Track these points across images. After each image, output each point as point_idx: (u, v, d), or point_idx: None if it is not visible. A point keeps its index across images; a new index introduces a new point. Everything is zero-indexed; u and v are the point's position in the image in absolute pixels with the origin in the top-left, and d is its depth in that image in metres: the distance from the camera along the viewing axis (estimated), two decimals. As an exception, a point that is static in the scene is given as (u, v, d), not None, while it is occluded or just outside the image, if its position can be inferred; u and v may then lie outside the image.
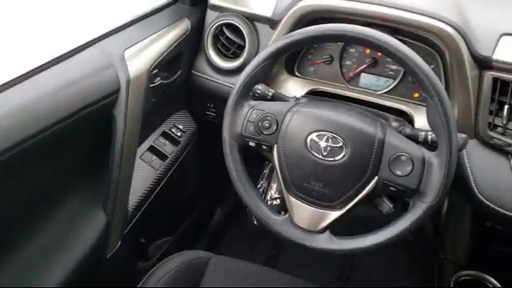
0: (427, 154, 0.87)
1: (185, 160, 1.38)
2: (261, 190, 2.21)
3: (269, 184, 2.20)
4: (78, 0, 1.25)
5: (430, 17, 0.99)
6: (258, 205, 1.00)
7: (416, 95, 1.15)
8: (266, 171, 1.66)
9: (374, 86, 1.20)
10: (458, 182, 1.03)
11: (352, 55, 1.21)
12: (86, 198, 1.10)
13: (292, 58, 1.24)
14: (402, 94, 1.16)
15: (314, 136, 0.92)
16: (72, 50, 0.99)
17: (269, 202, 2.15)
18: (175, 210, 1.55)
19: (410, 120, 1.10)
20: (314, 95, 1.20)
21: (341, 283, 1.80)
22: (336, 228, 0.96)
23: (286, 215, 0.99)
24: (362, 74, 1.21)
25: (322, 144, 0.91)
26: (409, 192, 0.88)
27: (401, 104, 1.14)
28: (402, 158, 0.88)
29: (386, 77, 1.18)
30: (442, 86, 0.83)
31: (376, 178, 0.91)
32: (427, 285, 1.42)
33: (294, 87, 1.22)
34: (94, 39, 1.05)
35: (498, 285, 1.21)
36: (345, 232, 0.95)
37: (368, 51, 1.19)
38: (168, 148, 1.30)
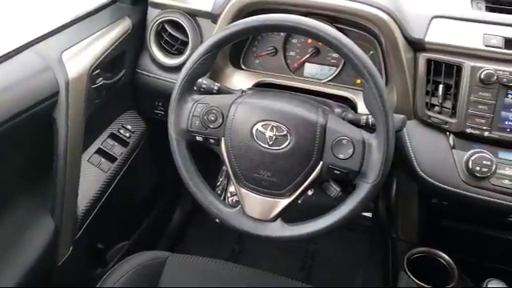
0: (366, 136, 0.90)
1: (136, 161, 1.36)
2: (220, 186, 2.21)
3: (228, 180, 2.21)
4: (14, 2, 1.21)
5: (365, 3, 1.02)
6: (209, 200, 1.00)
7: (358, 81, 1.18)
8: (225, 168, 1.66)
9: (318, 74, 1.22)
10: (402, 162, 1.07)
11: (295, 46, 1.23)
12: (33, 204, 1.07)
13: (237, 52, 1.24)
14: (344, 81, 1.19)
15: (259, 126, 0.93)
16: (7, 54, 0.96)
17: (229, 199, 2.17)
18: (131, 212, 1.53)
19: (353, 106, 1.13)
20: (260, 87, 1.22)
21: (304, 272, 1.83)
22: (287, 215, 0.97)
23: (239, 207, 1.00)
24: (306, 64, 1.23)
25: (268, 133, 0.92)
26: (352, 174, 0.91)
27: (344, 91, 1.16)
28: (344, 141, 0.90)
29: (329, 65, 1.21)
30: (375, 70, 0.85)
31: (321, 163, 0.93)
32: (385, 266, 1.45)
33: (240, 80, 1.23)
34: (30, 42, 1.02)
35: (449, 259, 1.26)
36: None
37: (310, 41, 1.21)
38: (117, 149, 1.28)
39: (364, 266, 1.73)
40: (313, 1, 1.06)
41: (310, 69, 1.23)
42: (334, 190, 0.98)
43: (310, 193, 1.90)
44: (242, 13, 1.11)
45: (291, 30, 0.95)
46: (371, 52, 1.16)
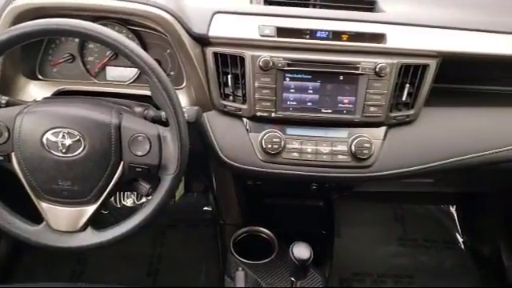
0: (161, 130, 0.93)
1: None
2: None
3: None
4: None
5: (145, 4, 1.04)
6: (9, 221, 0.94)
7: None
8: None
9: (120, 77, 1.22)
10: (209, 150, 1.13)
11: (93, 51, 1.21)
12: None
13: (30, 61, 1.18)
14: (146, 80, 1.21)
15: (49, 135, 0.90)
16: None
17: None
18: None
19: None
20: (61, 96, 1.17)
21: (151, 278, 1.82)
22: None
23: (44, 223, 0.96)
24: (108, 68, 1.22)
25: (60, 141, 0.90)
26: (153, 168, 0.93)
27: (147, 90, 1.18)
28: (139, 138, 0.92)
29: (130, 67, 1.21)
30: (156, 65, 0.88)
31: (122, 163, 0.93)
32: (223, 256, 1.51)
33: (37, 91, 1.17)
34: None
35: (270, 233, 1.37)
36: None
37: (108, 44, 1.20)
38: None
39: (208, 259, 1.79)
40: (89, 3, 1.04)
41: (112, 72, 1.22)
42: (144, 187, 1.00)
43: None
44: (20, 21, 1.05)
45: (59, 34, 0.93)
46: (168, 50, 1.19)
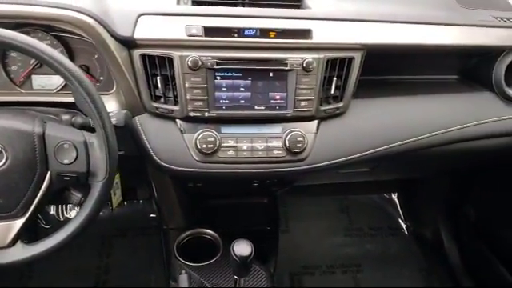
0: (87, 136, 0.91)
1: None
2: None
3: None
4: None
5: (64, 8, 1.01)
6: None
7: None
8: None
9: (48, 85, 1.18)
10: (143, 154, 1.11)
11: (16, 60, 1.16)
12: None
13: None
14: (73, 87, 1.18)
15: None
16: None
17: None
18: None
19: None
20: None
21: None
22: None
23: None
24: (33, 76, 1.17)
25: None
26: (82, 176, 0.91)
27: (75, 96, 1.15)
28: (65, 146, 0.89)
29: (56, 74, 1.17)
30: (77, 70, 0.86)
31: (48, 172, 0.90)
32: (167, 261, 1.49)
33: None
34: None
35: (215, 234, 1.37)
36: None
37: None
38: None
39: (156, 266, 1.77)
40: (4, 10, 1.00)
41: (38, 80, 1.18)
42: (76, 196, 0.97)
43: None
44: None
45: None
46: (96, 55, 1.17)
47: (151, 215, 1.99)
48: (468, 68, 1.37)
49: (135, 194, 1.97)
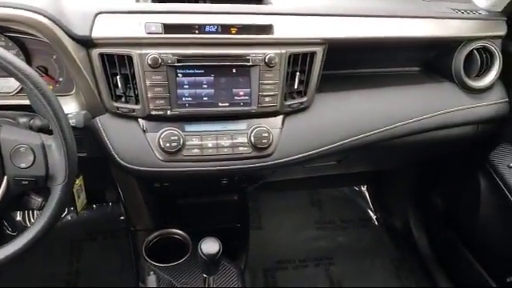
0: (45, 139, 0.88)
1: None
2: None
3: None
4: None
5: (18, 8, 0.98)
6: None
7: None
8: None
9: (4, 88, 1.15)
10: (106, 155, 1.09)
11: (-32, 62, 1.11)
12: None
13: None
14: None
15: None
16: None
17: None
18: None
19: None
20: None
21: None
22: None
23: None
24: (-12, 79, 1.14)
25: None
26: (41, 180, 0.89)
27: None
28: (21, 149, 0.87)
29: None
30: (30, 70, 0.83)
31: (5, 177, 0.87)
32: (136, 263, 1.47)
33: None
34: None
35: (184, 234, 1.36)
36: None
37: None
38: None
39: (126, 268, 1.74)
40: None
41: (-7, 83, 1.14)
42: (36, 201, 0.95)
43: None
44: None
45: None
46: (54, 56, 1.14)
47: (121, 217, 1.96)
48: (429, 60, 1.39)
49: (103, 197, 1.93)
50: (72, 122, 0.97)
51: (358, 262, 1.97)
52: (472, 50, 1.30)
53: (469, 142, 1.46)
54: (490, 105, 1.35)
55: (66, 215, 2.06)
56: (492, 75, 1.32)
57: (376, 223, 2.19)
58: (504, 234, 1.47)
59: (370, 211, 2.24)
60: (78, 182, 1.19)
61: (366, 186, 2.31)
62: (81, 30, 1.02)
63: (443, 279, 1.81)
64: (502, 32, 1.31)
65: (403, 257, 1.99)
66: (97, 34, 1.03)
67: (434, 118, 1.30)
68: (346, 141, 1.22)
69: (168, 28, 1.06)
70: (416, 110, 1.28)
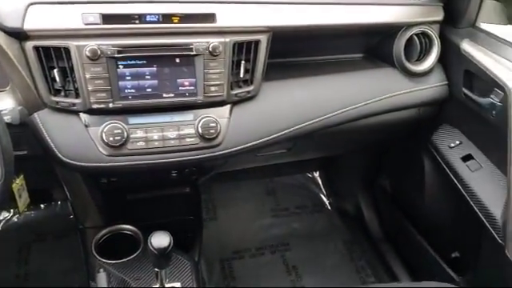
0: None
1: None
2: None
3: None
4: None
5: None
6: None
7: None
8: None
9: None
10: (47, 152, 1.05)
11: None
12: None
13: None
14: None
15: None
16: None
17: None
18: None
19: None
20: None
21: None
22: None
23: None
24: None
25: None
26: None
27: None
28: None
29: None
30: None
31: None
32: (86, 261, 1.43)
33: None
34: None
35: (135, 229, 1.34)
36: None
37: None
38: None
39: (78, 267, 1.69)
40: None
41: None
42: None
43: None
44: None
45: None
46: None
47: (70, 216, 1.90)
48: (372, 46, 1.42)
49: (51, 196, 1.87)
50: (7, 118, 0.93)
51: (312, 247, 2.01)
52: (412, 36, 1.33)
53: (412, 125, 1.51)
54: (430, 88, 1.40)
55: (12, 217, 1.98)
56: (431, 59, 1.37)
57: (329, 208, 2.24)
58: (447, 211, 1.54)
59: (323, 196, 2.29)
60: (19, 181, 1.14)
61: (318, 173, 2.35)
62: (12, 22, 0.97)
63: (393, 257, 1.88)
64: (439, 17, 1.36)
65: (355, 238, 2.05)
66: (29, 25, 0.98)
67: (378, 103, 1.33)
68: (294, 128, 1.23)
69: (106, 18, 1.02)
70: (360, 95, 1.31)
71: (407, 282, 1.76)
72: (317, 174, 2.36)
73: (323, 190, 2.31)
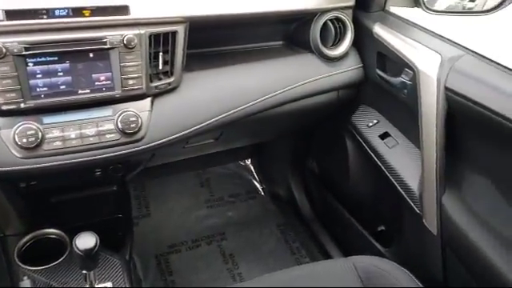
0: None
1: None
2: None
3: None
4: None
5: None
6: None
7: None
8: None
9: None
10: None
11: None
12: None
13: None
14: None
15: None
16: None
17: None
18: None
19: None
20: None
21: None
22: None
23: None
24: None
25: None
26: None
27: None
28: None
29: None
30: None
31: None
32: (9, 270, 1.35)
33: None
34: None
35: (61, 233, 1.29)
36: None
37: None
38: None
39: (3, 277, 1.60)
40: None
41: None
42: None
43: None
44: None
45: None
46: None
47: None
48: (290, 33, 1.46)
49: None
50: None
51: (248, 233, 2.04)
52: (326, 21, 1.38)
53: (333, 108, 1.57)
54: (347, 71, 1.46)
55: None
56: (346, 43, 1.42)
57: (262, 194, 2.28)
58: (370, 187, 1.62)
59: (256, 183, 2.32)
60: None
61: (250, 160, 2.38)
62: None
63: (325, 236, 1.96)
64: (351, 2, 1.41)
65: (289, 221, 2.10)
66: None
67: (298, 88, 1.37)
68: (217, 118, 1.24)
69: (10, 14, 0.97)
70: (281, 82, 1.34)
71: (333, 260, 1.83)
72: (249, 162, 2.39)
73: (256, 177, 2.34)
